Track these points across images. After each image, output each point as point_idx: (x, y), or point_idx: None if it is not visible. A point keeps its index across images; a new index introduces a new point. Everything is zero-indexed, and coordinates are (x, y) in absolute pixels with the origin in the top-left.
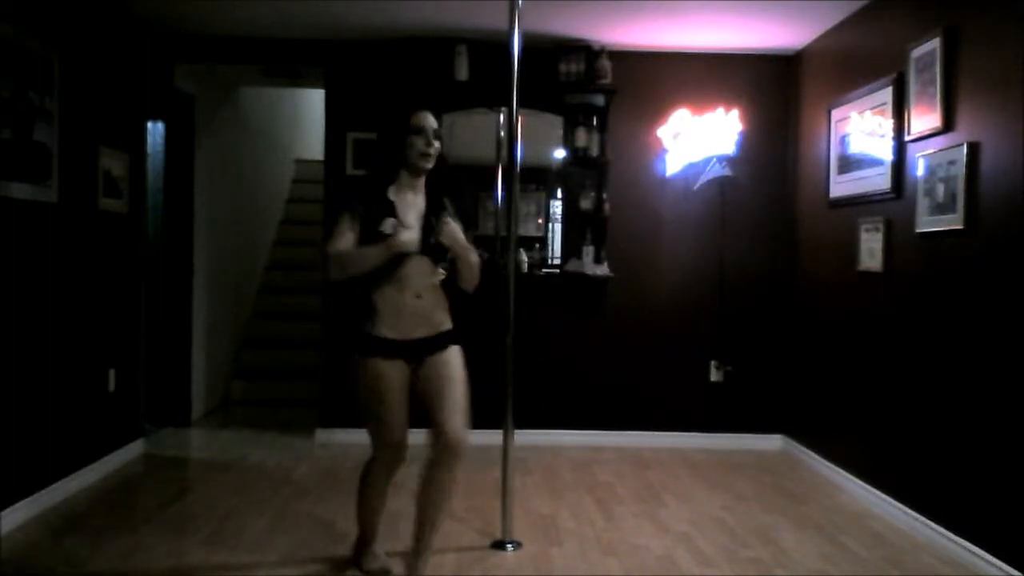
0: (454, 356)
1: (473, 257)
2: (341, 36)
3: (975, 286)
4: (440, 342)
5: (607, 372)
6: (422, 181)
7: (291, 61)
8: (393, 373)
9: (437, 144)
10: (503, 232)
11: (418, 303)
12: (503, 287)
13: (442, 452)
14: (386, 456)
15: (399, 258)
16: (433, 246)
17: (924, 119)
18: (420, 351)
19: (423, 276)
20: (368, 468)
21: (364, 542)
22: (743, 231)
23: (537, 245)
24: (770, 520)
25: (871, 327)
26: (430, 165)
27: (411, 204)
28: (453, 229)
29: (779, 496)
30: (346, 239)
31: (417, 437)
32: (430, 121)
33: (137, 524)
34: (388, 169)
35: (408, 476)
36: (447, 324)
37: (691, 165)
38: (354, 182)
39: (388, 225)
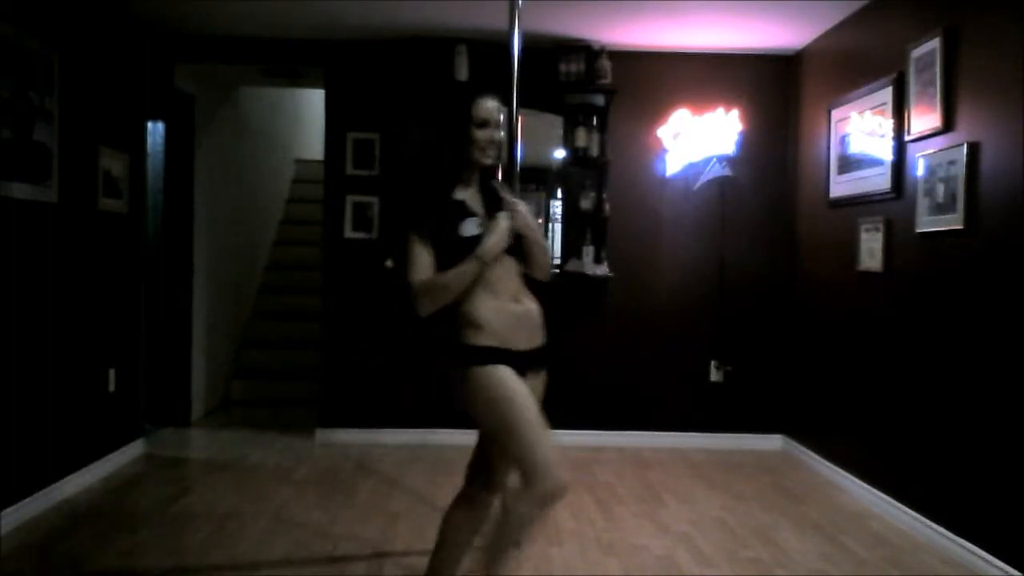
0: (543, 380)
1: (543, 239)
2: (341, 36)
3: (975, 286)
4: (539, 359)
5: (607, 372)
6: (477, 176)
7: (291, 61)
8: (516, 376)
9: (501, 135)
10: None
11: (517, 308)
12: None
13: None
14: (547, 479)
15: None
16: (516, 238)
17: (924, 119)
18: (523, 366)
19: (513, 276)
20: (519, 506)
21: None
22: (743, 231)
23: None
24: (770, 520)
25: (871, 327)
26: (491, 161)
27: (478, 204)
28: (525, 212)
29: (779, 496)
30: (427, 264)
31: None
32: (494, 110)
33: (137, 524)
34: (450, 171)
35: (407, 474)
36: (543, 336)
37: (691, 165)
38: (413, 192)
39: (472, 225)
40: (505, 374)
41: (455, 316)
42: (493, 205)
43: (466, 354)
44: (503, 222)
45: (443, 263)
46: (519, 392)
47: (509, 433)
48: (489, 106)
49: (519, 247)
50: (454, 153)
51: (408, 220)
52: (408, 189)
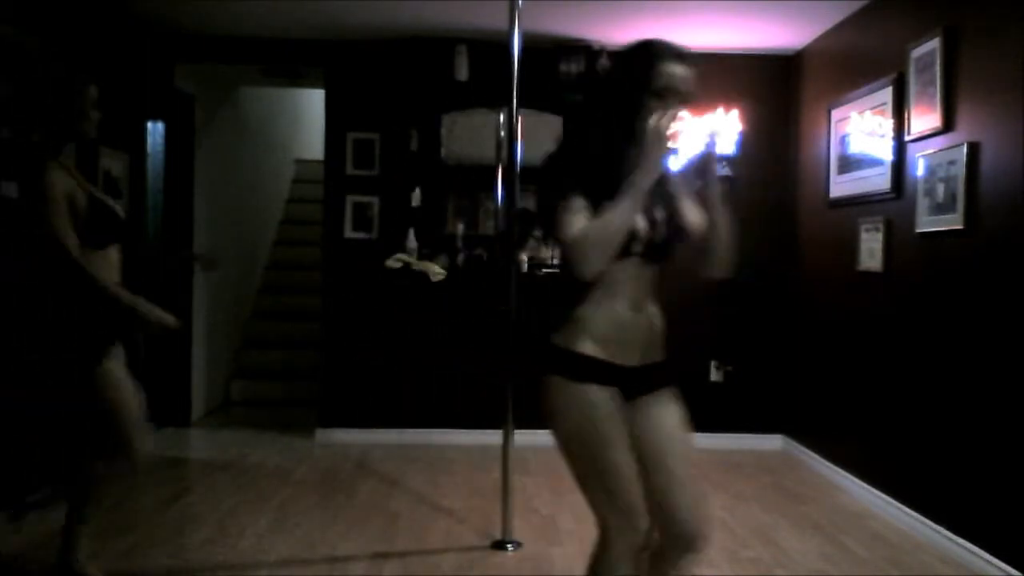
0: (675, 401)
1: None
2: (341, 36)
3: (975, 286)
4: (659, 377)
5: None
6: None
7: (291, 61)
8: (612, 403)
9: (682, 113)
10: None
11: (635, 318)
12: (503, 287)
13: (672, 545)
14: (625, 532)
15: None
16: (663, 240)
17: (924, 119)
18: (634, 385)
19: (641, 279)
20: (601, 560)
21: None
22: (743, 231)
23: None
24: (770, 520)
25: (871, 327)
26: (670, 143)
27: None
28: (715, 180)
29: (779, 496)
30: (583, 219)
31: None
32: (679, 75)
33: (137, 524)
34: (610, 147)
35: (407, 473)
36: (663, 353)
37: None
38: (566, 158)
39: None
40: (599, 399)
41: (558, 311)
42: (663, 196)
43: (558, 358)
44: (655, 142)
45: None
46: (611, 425)
47: (585, 474)
48: (674, 71)
49: (667, 249)
50: (620, 124)
51: (562, 182)
52: (560, 159)
